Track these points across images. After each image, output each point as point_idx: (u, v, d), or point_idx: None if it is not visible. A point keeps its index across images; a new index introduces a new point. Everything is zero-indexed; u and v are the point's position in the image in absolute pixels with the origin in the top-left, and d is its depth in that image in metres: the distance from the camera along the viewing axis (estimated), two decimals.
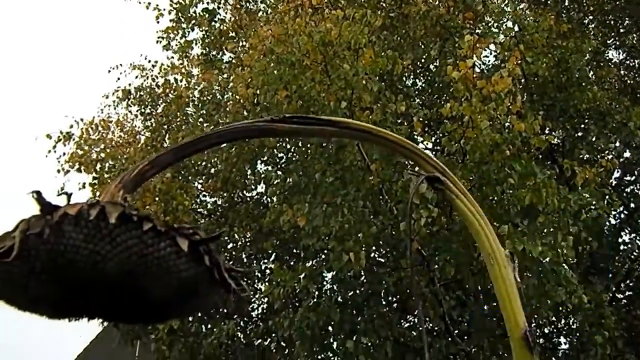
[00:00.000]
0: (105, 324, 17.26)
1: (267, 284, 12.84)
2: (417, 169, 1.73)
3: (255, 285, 16.59)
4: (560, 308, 12.44)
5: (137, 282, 1.31)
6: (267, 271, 15.57)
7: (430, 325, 13.43)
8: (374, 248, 12.00)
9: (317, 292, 11.86)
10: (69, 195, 1.36)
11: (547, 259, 10.82)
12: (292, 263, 13.24)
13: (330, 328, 11.91)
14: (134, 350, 22.09)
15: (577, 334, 13.78)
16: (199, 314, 15.38)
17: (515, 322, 1.48)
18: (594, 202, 12.05)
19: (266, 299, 15.23)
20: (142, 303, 1.37)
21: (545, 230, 10.92)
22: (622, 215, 16.26)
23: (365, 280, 12.22)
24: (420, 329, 11.95)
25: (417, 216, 10.26)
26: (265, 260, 15.45)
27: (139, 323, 1.48)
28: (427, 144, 13.60)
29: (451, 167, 10.58)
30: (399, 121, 12.47)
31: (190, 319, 15.51)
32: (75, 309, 1.40)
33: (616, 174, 15.92)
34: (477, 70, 13.09)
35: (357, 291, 12.11)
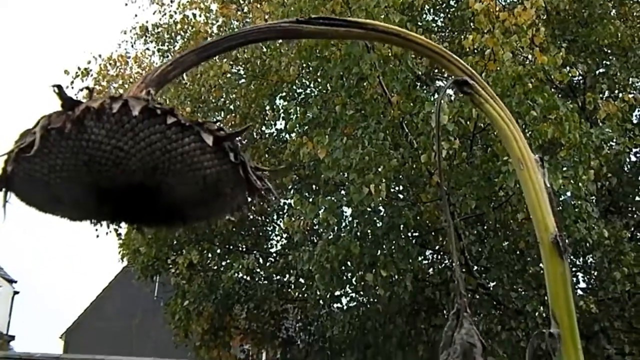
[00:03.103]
0: (125, 263, 17.39)
1: (286, 218, 12.86)
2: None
3: (275, 222, 16.67)
4: (579, 246, 12.42)
5: (161, 180, 1.28)
6: (286, 207, 15.60)
7: (449, 260, 13.48)
8: (394, 182, 11.97)
9: (336, 226, 11.87)
10: (90, 91, 1.33)
11: (568, 193, 10.80)
12: (311, 200, 13.25)
13: (349, 263, 11.95)
14: (152, 290, 22.31)
15: (596, 272, 13.80)
16: (219, 250, 15.47)
17: (545, 227, 1.45)
18: (615, 137, 11.99)
19: (285, 235, 15.30)
20: (165, 203, 1.34)
21: (566, 166, 10.88)
22: None
23: (384, 214, 12.23)
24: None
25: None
26: (285, 194, 15.50)
27: (161, 226, 1.45)
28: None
29: None
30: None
31: (210, 255, 15.62)
32: (97, 210, 1.38)
33: (638, 114, 15.78)
34: (499, 2, 12.94)
35: (377, 224, 12.12)
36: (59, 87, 1.29)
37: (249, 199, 1.41)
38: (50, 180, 1.27)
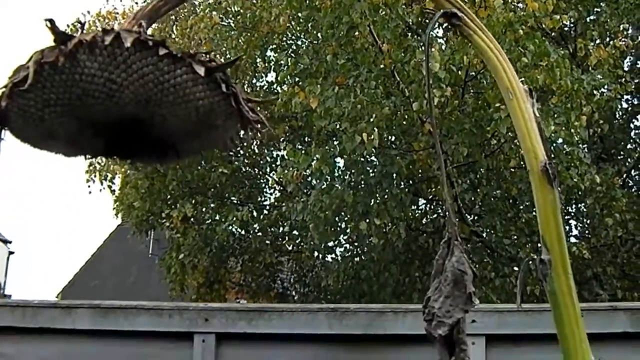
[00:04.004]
0: (119, 219, 17.42)
1: (279, 169, 12.89)
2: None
3: (268, 175, 16.68)
4: (571, 193, 12.47)
5: (154, 112, 1.30)
6: (279, 160, 15.61)
7: (442, 208, 13.54)
8: (386, 130, 11.94)
9: (329, 176, 11.88)
10: (82, 25, 1.34)
11: (560, 140, 10.83)
12: (304, 150, 13.26)
13: (343, 212, 11.98)
14: (147, 247, 22.39)
15: (588, 220, 13.86)
16: (213, 203, 15.48)
17: (534, 155, 1.46)
18: (607, 84, 11.99)
19: (279, 188, 15.33)
20: (159, 136, 1.36)
21: (557, 113, 10.90)
22: (635, 101, 16.17)
23: (377, 163, 12.25)
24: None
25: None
26: (277, 146, 15.54)
27: (155, 160, 1.47)
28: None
29: (464, 46, 10.51)
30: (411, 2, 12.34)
31: (204, 208, 15.64)
32: (91, 145, 1.39)
33: (629, 61, 15.75)
34: None
35: (370, 173, 12.15)
36: (51, 21, 1.30)
37: (242, 131, 1.42)
38: (45, 115, 1.29)
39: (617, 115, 15.69)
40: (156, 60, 1.28)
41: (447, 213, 1.54)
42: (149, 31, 1.39)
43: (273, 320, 3.43)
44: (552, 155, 10.41)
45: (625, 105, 15.90)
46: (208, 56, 1.34)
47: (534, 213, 13.02)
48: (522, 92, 1.57)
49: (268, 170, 16.71)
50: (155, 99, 1.28)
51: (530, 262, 1.45)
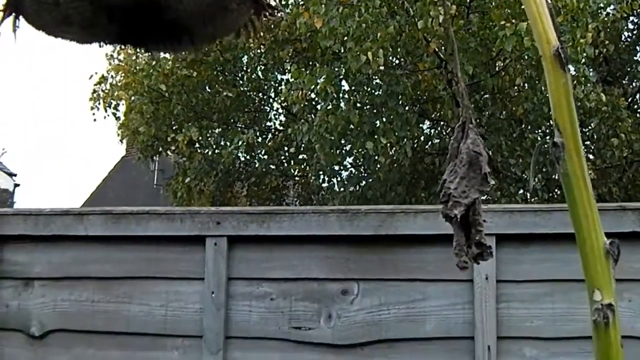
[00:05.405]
0: (124, 152, 17.41)
1: (285, 90, 12.82)
2: None
3: (273, 99, 16.61)
4: (576, 114, 12.43)
5: None
6: (284, 84, 15.52)
7: (447, 130, 13.53)
8: (391, 50, 11.88)
9: (335, 96, 11.84)
10: None
11: None
12: (309, 71, 13.19)
13: (349, 133, 11.96)
14: (152, 178, 22.43)
15: (593, 144, 13.86)
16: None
17: (546, 40, 1.45)
18: (612, 2, 11.91)
19: (284, 112, 15.28)
20: (173, 20, 1.35)
21: (563, 31, 10.83)
22: None
23: (382, 82, 12.20)
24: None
25: (435, 13, 10.17)
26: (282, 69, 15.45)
27: (169, 48, 1.47)
28: None
29: None
30: None
31: (208, 133, 15.61)
32: (106, 31, 1.39)
33: None
34: None
35: (375, 93, 12.11)
36: None
37: (255, 16, 1.42)
38: (60, 0, 1.29)
39: (623, 37, 15.60)
40: None
41: (461, 95, 1.54)
42: None
43: (284, 222, 3.47)
44: None
45: (631, 26, 15.80)
46: None
47: (539, 134, 13.02)
48: None
49: (273, 95, 16.62)
50: None
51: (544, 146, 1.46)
